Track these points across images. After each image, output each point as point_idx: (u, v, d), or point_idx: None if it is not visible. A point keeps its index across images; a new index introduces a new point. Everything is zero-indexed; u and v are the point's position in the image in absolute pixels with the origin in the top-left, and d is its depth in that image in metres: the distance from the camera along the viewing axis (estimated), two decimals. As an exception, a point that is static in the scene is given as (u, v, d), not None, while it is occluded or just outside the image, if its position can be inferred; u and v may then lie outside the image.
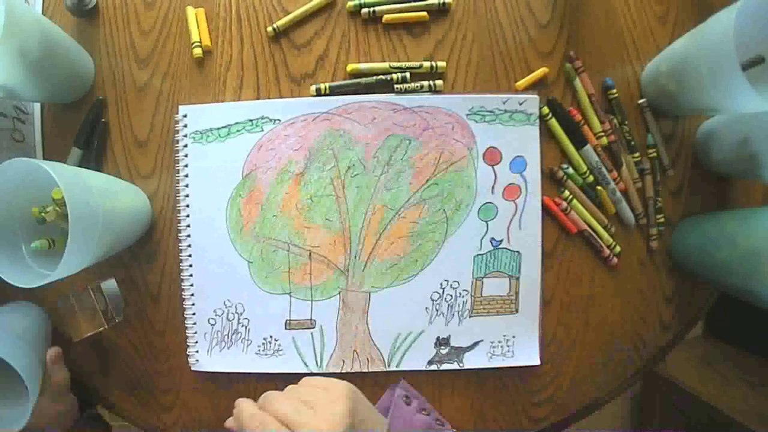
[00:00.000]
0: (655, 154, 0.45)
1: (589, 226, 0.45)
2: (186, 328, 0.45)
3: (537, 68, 0.45)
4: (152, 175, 0.46)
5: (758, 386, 0.95)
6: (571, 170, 0.45)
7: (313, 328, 0.45)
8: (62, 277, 0.34)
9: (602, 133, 0.45)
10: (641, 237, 0.46)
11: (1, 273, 0.34)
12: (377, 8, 0.44)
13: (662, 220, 0.45)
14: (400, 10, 0.45)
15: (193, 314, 0.45)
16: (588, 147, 0.44)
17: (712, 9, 0.36)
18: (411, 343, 0.45)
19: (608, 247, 0.45)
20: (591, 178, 0.45)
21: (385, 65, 0.44)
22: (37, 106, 0.46)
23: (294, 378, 0.45)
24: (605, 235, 0.45)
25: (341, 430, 0.29)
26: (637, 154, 0.45)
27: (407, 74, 0.44)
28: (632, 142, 0.45)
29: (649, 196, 0.45)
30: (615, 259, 0.45)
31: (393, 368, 0.45)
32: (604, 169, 0.45)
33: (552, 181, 0.45)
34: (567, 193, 0.45)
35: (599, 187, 0.45)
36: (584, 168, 0.45)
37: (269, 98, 0.45)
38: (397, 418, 0.40)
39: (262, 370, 0.45)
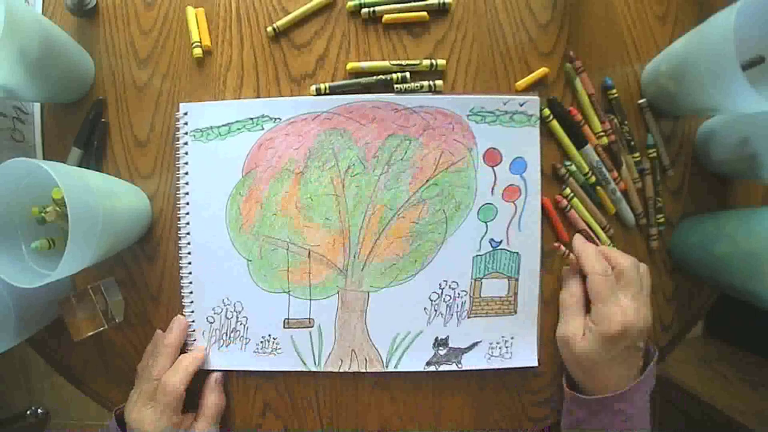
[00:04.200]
0: (655, 155, 0.45)
1: (589, 227, 0.45)
2: (186, 327, 0.45)
3: (537, 68, 0.44)
4: (152, 175, 0.46)
5: (758, 386, 0.95)
6: (573, 167, 0.44)
7: (312, 327, 0.45)
8: (63, 277, 0.34)
9: (602, 133, 0.45)
10: (641, 237, 0.46)
11: (1, 273, 0.34)
12: (377, 8, 0.44)
13: (662, 220, 0.45)
14: (400, 10, 0.45)
15: (192, 312, 0.45)
16: (588, 147, 0.44)
17: (712, 9, 0.36)
18: (409, 343, 0.45)
19: None
20: (593, 179, 0.45)
21: (385, 63, 0.44)
22: (37, 106, 0.46)
23: (293, 377, 0.46)
24: (603, 236, 0.45)
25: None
26: (637, 154, 0.45)
27: (407, 74, 0.44)
28: (632, 142, 0.45)
29: (649, 196, 0.45)
30: None
31: (391, 369, 0.45)
32: (604, 169, 0.45)
33: (554, 177, 0.45)
34: (568, 190, 0.44)
35: (599, 187, 0.45)
36: (586, 168, 0.45)
37: (269, 98, 0.45)
38: None
39: (260, 368, 0.45)
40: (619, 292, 0.39)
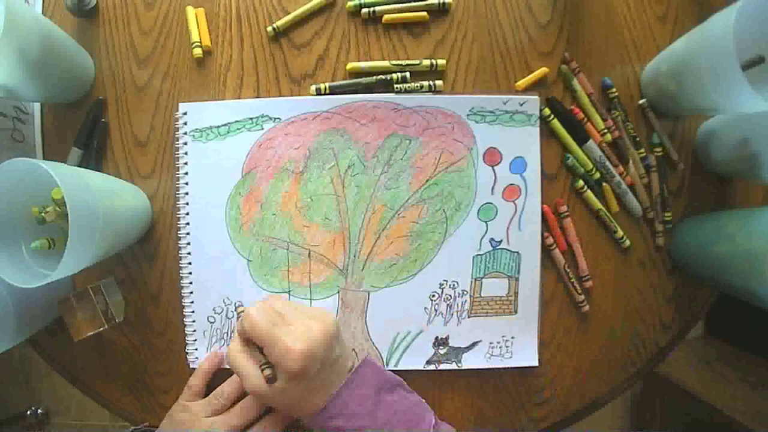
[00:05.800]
0: (661, 152, 0.45)
1: (605, 216, 0.45)
2: (185, 326, 0.45)
3: (537, 68, 0.44)
4: (152, 175, 0.46)
5: (758, 386, 0.95)
6: (574, 162, 0.44)
7: (313, 327, 0.45)
8: (62, 277, 0.34)
9: (606, 130, 0.45)
10: (641, 237, 0.46)
11: (1, 273, 0.34)
12: (377, 8, 0.44)
13: (669, 217, 0.45)
14: (400, 10, 0.45)
15: (192, 312, 0.45)
16: (591, 142, 0.44)
17: (712, 9, 0.36)
18: (410, 342, 0.45)
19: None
20: (597, 175, 0.45)
21: (385, 63, 0.44)
22: (37, 106, 0.46)
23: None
24: (618, 229, 0.45)
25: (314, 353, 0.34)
26: (642, 150, 0.45)
27: (407, 74, 0.44)
28: (637, 138, 0.45)
29: (656, 193, 0.45)
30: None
31: (391, 367, 0.45)
32: (608, 163, 0.44)
33: (564, 168, 0.45)
34: (581, 182, 0.44)
35: (605, 183, 0.45)
36: (590, 165, 0.45)
37: (269, 98, 0.45)
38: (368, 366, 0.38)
39: (262, 369, 0.45)
40: (280, 327, 0.35)
